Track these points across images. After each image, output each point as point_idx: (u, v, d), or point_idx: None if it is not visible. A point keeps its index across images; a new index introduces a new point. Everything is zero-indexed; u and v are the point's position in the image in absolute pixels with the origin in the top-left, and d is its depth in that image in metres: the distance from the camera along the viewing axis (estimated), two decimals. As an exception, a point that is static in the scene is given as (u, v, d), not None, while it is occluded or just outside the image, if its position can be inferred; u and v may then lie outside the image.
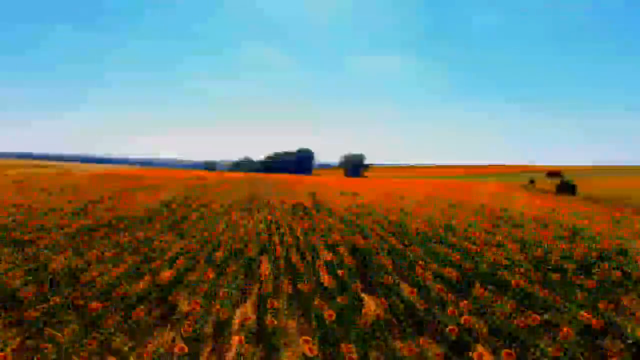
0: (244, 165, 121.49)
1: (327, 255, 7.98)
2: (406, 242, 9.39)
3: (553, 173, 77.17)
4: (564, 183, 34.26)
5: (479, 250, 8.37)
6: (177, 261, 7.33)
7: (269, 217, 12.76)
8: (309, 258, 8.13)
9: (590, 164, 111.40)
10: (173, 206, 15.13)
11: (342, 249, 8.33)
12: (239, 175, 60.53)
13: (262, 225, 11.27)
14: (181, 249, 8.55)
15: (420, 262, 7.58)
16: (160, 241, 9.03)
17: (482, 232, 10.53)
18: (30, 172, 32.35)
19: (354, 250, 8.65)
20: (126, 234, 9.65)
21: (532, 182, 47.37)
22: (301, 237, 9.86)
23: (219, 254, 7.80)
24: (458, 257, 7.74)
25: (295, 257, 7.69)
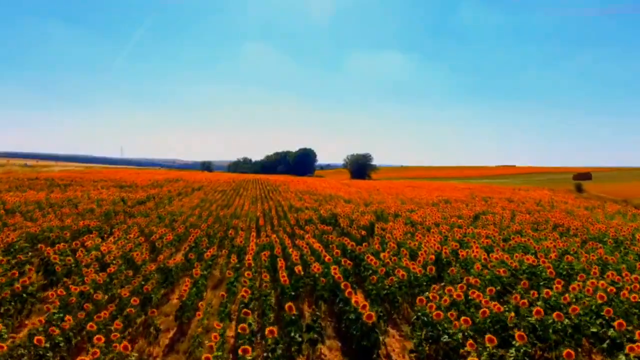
0: (243, 166, 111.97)
1: None
2: None
3: (581, 175, 68.26)
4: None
5: None
6: None
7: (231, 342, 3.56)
8: None
9: (593, 165, 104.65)
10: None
11: None
12: (229, 177, 51.04)
13: None
14: None
15: None
16: None
17: None
18: None
19: None
20: None
21: (579, 187, 38.65)
22: None
23: None
24: None
25: None
